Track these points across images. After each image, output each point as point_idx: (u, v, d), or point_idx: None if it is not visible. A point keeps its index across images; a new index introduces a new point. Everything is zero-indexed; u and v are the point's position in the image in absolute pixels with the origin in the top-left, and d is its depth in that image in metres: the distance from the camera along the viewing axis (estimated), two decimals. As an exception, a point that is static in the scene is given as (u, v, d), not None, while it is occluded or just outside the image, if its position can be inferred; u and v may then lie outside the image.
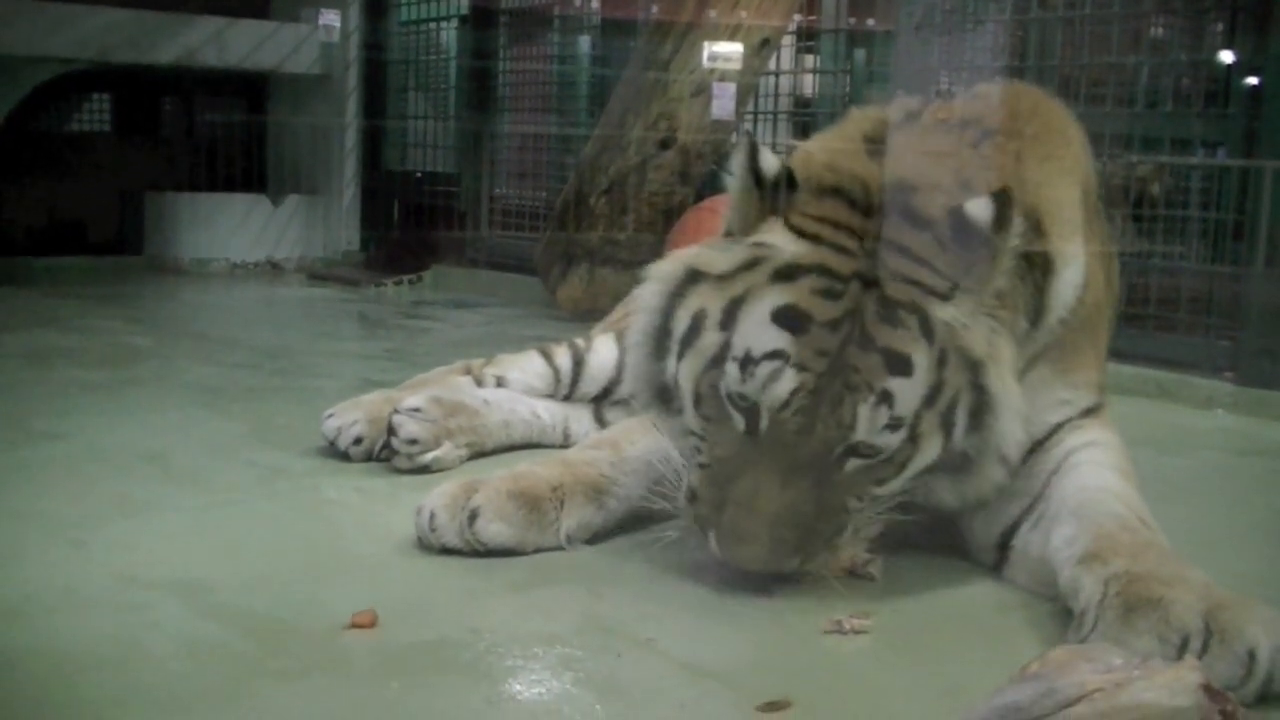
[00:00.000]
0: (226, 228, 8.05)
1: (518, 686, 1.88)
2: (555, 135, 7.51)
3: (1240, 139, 5.15)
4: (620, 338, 3.51)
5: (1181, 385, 4.57)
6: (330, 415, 3.21)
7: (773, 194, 2.31)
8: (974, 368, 2.23)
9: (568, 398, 3.46)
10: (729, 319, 2.25)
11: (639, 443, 2.60)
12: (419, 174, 8.32)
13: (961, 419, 2.24)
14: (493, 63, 7.89)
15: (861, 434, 2.18)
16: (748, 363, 2.20)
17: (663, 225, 6.05)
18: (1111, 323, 2.73)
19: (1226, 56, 5.59)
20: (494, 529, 2.42)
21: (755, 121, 6.92)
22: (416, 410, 3.07)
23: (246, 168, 8.71)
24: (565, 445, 3.23)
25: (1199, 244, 5.27)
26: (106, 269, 7.66)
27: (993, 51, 5.70)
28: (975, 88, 2.77)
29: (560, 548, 2.48)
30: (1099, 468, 2.40)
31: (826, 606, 2.21)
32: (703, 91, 6.00)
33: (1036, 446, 2.44)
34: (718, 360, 2.25)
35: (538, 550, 2.46)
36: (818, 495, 2.20)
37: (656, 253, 6.00)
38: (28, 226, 7.99)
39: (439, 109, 8.37)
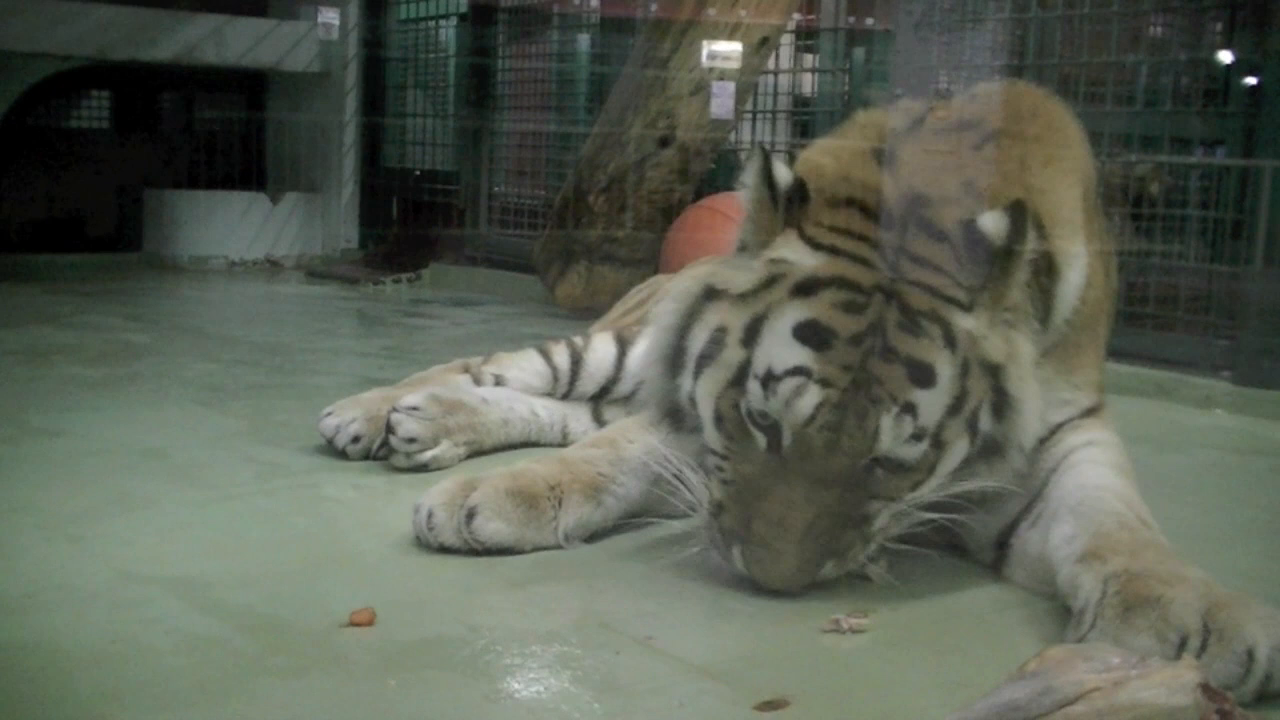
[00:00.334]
0: (225, 225, 8.05)
1: (516, 684, 1.88)
2: (554, 133, 7.51)
3: (1239, 138, 5.15)
4: (619, 336, 3.52)
5: (1180, 384, 4.57)
6: (328, 413, 3.20)
7: (787, 206, 2.28)
8: (994, 372, 2.23)
9: (566, 396, 3.46)
10: (750, 336, 2.22)
11: (637, 441, 2.59)
12: (418, 172, 8.32)
13: (986, 421, 2.25)
14: (492, 60, 7.88)
15: (886, 446, 2.17)
16: (770, 380, 2.17)
17: (661, 223, 6.05)
18: (1110, 321, 2.74)
19: (1225, 55, 5.60)
20: (492, 527, 2.42)
21: (754, 120, 6.92)
22: (415, 408, 3.07)
23: (245, 165, 8.71)
24: (563, 444, 3.23)
25: (1198, 243, 5.27)
26: (105, 266, 7.65)
27: (992, 50, 5.70)
28: (976, 87, 2.77)
29: (558, 546, 2.48)
30: (1098, 466, 2.40)
31: (825, 605, 2.21)
32: (702, 90, 6.00)
33: (1037, 445, 2.44)
34: (739, 378, 2.23)
35: (536, 548, 2.46)
36: (843, 510, 2.20)
37: (655, 251, 6.05)
38: (26, 223, 8.00)
39: (438, 107, 8.37)
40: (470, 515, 2.42)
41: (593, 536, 2.54)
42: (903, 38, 6.06)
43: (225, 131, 8.79)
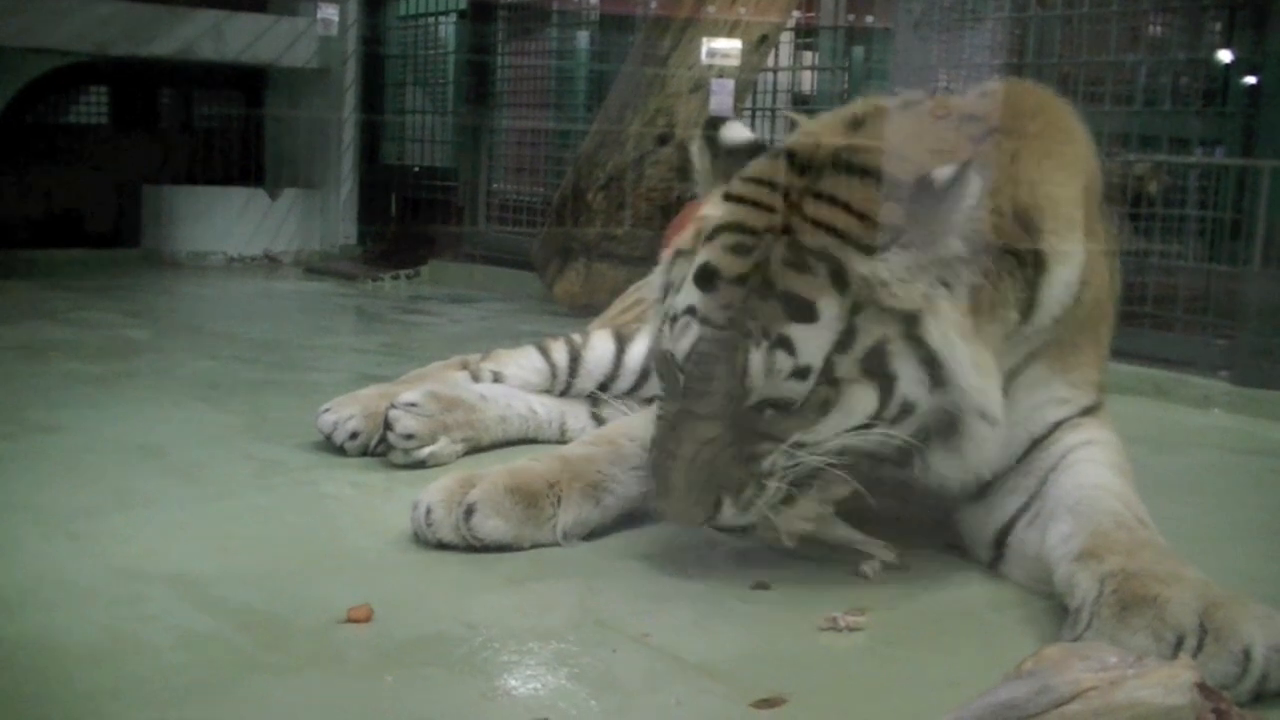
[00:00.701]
0: (224, 221, 8.04)
1: (513, 681, 1.88)
2: (553, 130, 7.51)
3: (1238, 137, 5.15)
4: (617, 334, 3.52)
5: (1178, 384, 4.57)
6: (326, 410, 3.20)
7: (724, 168, 2.42)
8: (907, 320, 2.20)
9: (564, 393, 3.46)
10: (678, 287, 2.36)
11: (637, 439, 2.60)
12: (417, 168, 8.32)
13: (906, 371, 2.19)
14: (491, 57, 7.88)
15: (758, 381, 2.18)
16: (673, 322, 2.31)
17: (660, 220, 6.05)
18: (1113, 322, 2.72)
19: (1225, 55, 5.60)
20: (490, 524, 2.42)
21: (753, 118, 6.92)
22: (413, 405, 3.06)
23: (244, 161, 8.70)
24: (562, 441, 3.23)
25: (1196, 243, 5.28)
26: (103, 262, 7.64)
27: (991, 49, 5.71)
28: (984, 85, 2.76)
29: (557, 544, 2.48)
30: (1097, 466, 2.39)
31: (822, 603, 2.21)
32: (701, 87, 6.00)
33: (1035, 444, 2.45)
34: (663, 324, 2.38)
35: (534, 546, 2.46)
36: (731, 446, 2.21)
37: (654, 248, 6.04)
38: (25, 218, 7.98)
39: (437, 103, 8.36)
40: (469, 512, 2.42)
41: (591, 535, 2.54)
42: (902, 36, 6.06)
43: (224, 127, 8.79)
